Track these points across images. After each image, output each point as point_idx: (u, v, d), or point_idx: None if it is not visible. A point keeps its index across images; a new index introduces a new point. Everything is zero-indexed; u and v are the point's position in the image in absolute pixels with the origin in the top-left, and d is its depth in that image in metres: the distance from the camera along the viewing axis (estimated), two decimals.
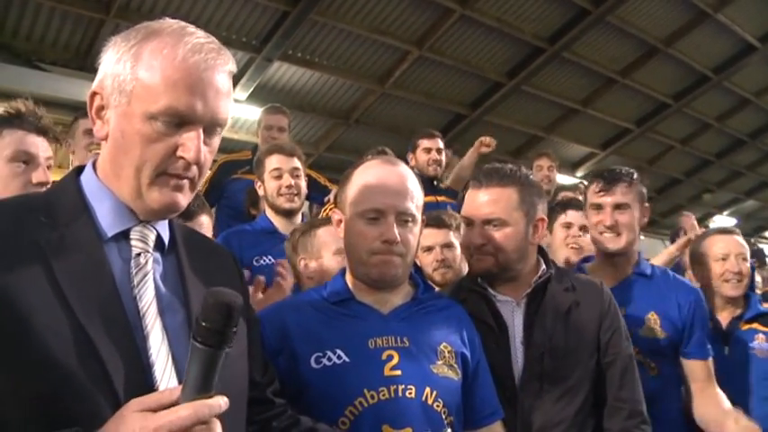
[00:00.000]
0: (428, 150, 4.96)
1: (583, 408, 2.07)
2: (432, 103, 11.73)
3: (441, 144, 5.06)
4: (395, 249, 1.74)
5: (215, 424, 1.06)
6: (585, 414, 2.08)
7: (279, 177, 3.45)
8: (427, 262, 3.26)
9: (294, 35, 9.31)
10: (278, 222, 3.50)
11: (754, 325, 3.15)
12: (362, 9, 9.44)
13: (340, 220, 1.85)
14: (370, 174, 1.81)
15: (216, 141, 1.34)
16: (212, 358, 1.04)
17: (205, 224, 2.73)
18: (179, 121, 1.25)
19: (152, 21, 1.34)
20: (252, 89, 9.97)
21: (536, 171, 5.74)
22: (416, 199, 1.82)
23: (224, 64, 1.31)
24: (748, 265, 3.20)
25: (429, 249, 3.24)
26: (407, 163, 5.05)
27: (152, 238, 1.32)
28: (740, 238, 3.29)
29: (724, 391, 2.97)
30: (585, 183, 3.21)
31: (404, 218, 1.77)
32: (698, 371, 2.53)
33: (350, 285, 1.84)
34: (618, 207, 2.58)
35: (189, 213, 2.49)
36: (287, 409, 1.55)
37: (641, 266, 2.66)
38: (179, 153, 1.26)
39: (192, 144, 1.26)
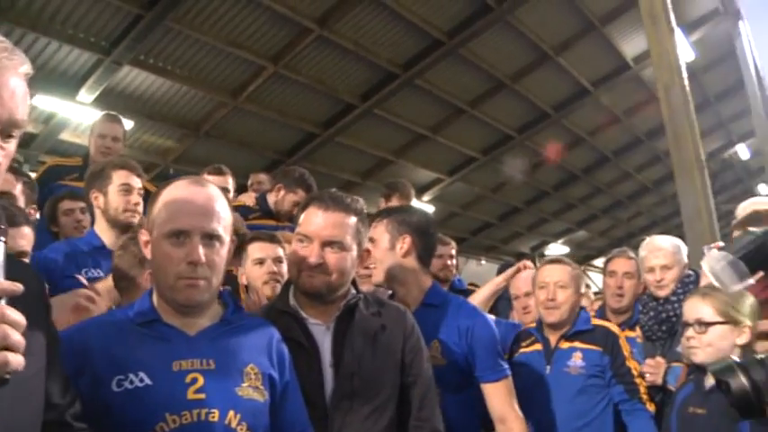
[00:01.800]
0: (296, 204, 4.78)
1: (389, 426, 2.15)
2: (284, 120, 11.72)
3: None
4: (199, 272, 1.71)
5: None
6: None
7: (128, 193, 3.37)
8: (257, 275, 3.28)
9: (147, 40, 9.03)
10: (107, 238, 3.39)
11: (576, 343, 3.30)
12: (219, 20, 9.30)
13: (147, 242, 1.81)
14: (176, 194, 1.78)
15: (12, 145, 1.27)
16: None
17: (28, 235, 2.61)
18: None
19: None
20: (98, 93, 9.55)
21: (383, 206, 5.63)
22: (223, 220, 1.79)
23: (19, 65, 1.25)
24: (570, 291, 3.34)
25: (261, 262, 3.29)
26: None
27: None
28: (561, 267, 3.45)
29: (546, 408, 3.18)
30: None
31: (209, 238, 1.74)
32: (489, 393, 2.60)
33: (156, 306, 1.80)
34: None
35: (14, 222, 2.36)
36: None
37: (430, 297, 2.72)
38: None
39: None
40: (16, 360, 1.04)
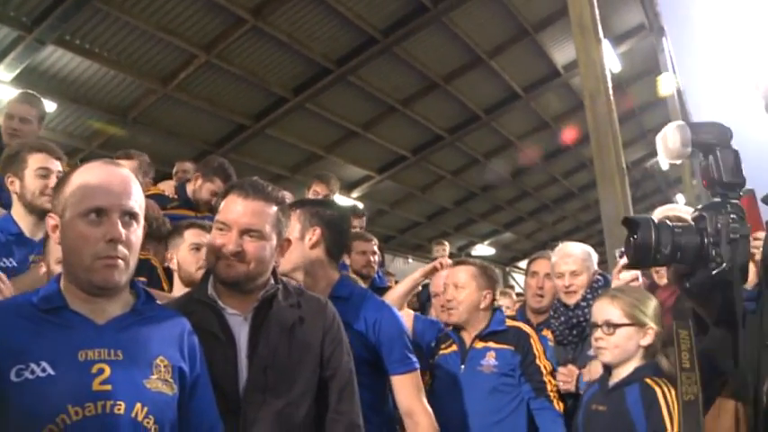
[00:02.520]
0: (214, 193, 4.70)
1: (306, 420, 2.14)
2: (215, 110, 11.54)
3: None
4: (120, 251, 1.69)
5: None
6: (308, 426, 2.15)
7: (45, 177, 3.27)
8: (193, 260, 3.30)
9: (73, 20, 8.71)
10: (25, 225, 3.28)
11: (490, 343, 3.38)
12: (151, 4, 9.07)
13: (56, 226, 1.76)
14: (91, 174, 1.75)
15: None
16: None
17: None
18: None
19: None
20: (19, 71, 9.16)
21: (311, 195, 5.53)
22: (139, 199, 1.78)
23: None
24: (469, 291, 3.40)
25: (197, 248, 3.29)
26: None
27: None
28: (459, 268, 3.50)
29: (460, 405, 3.25)
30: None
31: (128, 217, 1.72)
32: (397, 386, 2.64)
33: (63, 292, 1.74)
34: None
35: None
36: None
37: (338, 290, 2.75)
38: None
39: None
40: None
